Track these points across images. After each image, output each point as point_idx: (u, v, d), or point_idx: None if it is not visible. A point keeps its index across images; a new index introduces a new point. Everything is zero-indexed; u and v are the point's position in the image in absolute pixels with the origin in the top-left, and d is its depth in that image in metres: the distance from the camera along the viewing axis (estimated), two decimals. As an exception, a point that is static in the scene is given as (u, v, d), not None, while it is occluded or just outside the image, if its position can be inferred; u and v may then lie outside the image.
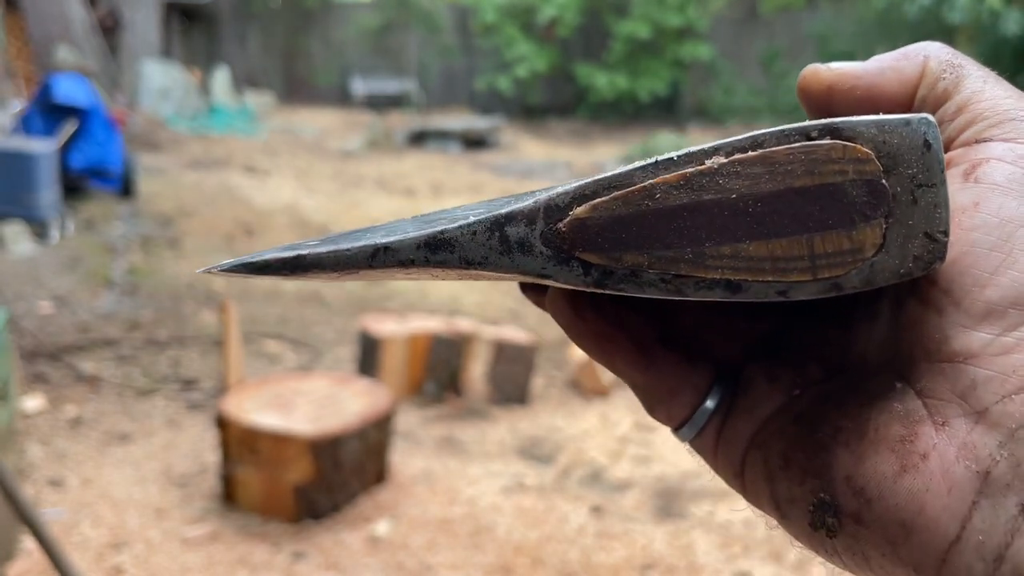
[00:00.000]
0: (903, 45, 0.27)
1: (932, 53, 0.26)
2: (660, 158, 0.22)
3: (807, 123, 0.22)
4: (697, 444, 0.29)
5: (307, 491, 2.26)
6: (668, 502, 2.49)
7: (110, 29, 9.70)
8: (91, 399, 3.01)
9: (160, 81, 10.63)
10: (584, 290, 0.23)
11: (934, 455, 0.22)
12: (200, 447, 2.67)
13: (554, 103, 13.73)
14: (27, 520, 1.54)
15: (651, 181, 0.22)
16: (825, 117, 0.22)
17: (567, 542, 2.26)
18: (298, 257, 0.23)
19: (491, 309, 4.32)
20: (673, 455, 2.79)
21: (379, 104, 13.41)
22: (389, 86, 14.13)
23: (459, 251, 0.23)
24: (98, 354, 3.40)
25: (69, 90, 5.74)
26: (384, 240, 0.23)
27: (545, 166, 9.30)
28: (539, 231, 0.22)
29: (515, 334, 3.27)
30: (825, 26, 12.29)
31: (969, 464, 0.21)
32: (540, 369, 3.39)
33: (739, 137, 0.22)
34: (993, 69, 0.26)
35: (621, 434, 2.94)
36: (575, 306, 0.27)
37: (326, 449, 2.26)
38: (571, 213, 0.22)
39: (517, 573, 2.11)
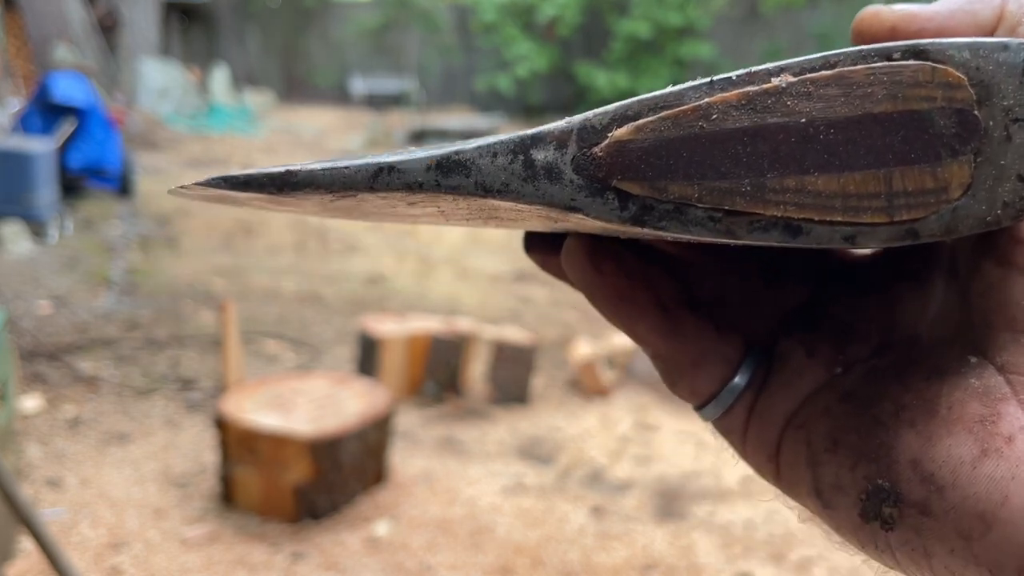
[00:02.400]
0: None
1: None
2: (716, 77, 0.19)
3: (887, 44, 0.19)
4: (723, 424, 0.26)
5: (306, 491, 2.25)
6: (669, 502, 2.49)
7: (109, 28, 9.69)
8: (90, 399, 3.00)
9: (159, 80, 10.62)
10: (617, 228, 0.20)
11: (1021, 438, 0.19)
12: (199, 447, 2.66)
13: (554, 102, 13.72)
14: (26, 520, 1.53)
15: (707, 100, 0.19)
16: None
17: (567, 542, 2.25)
18: (288, 173, 0.20)
19: (491, 309, 4.31)
20: (673, 455, 2.79)
21: (379, 103, 13.41)
22: (389, 85, 14.13)
23: (475, 175, 0.19)
24: (97, 354, 3.40)
25: (67, 89, 5.73)
26: (390, 159, 0.20)
27: (545, 165, 9.29)
28: (571, 155, 0.19)
29: (515, 334, 3.26)
30: (826, 25, 12.29)
31: None
32: (540, 369, 3.39)
33: (808, 56, 0.19)
34: None
35: (621, 434, 2.94)
36: (594, 259, 0.24)
37: (325, 449, 2.25)
38: (610, 135, 0.19)
39: (517, 573, 2.10)
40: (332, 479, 2.28)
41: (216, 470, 2.40)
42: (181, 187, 0.22)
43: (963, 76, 0.19)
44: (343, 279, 4.71)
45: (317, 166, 0.20)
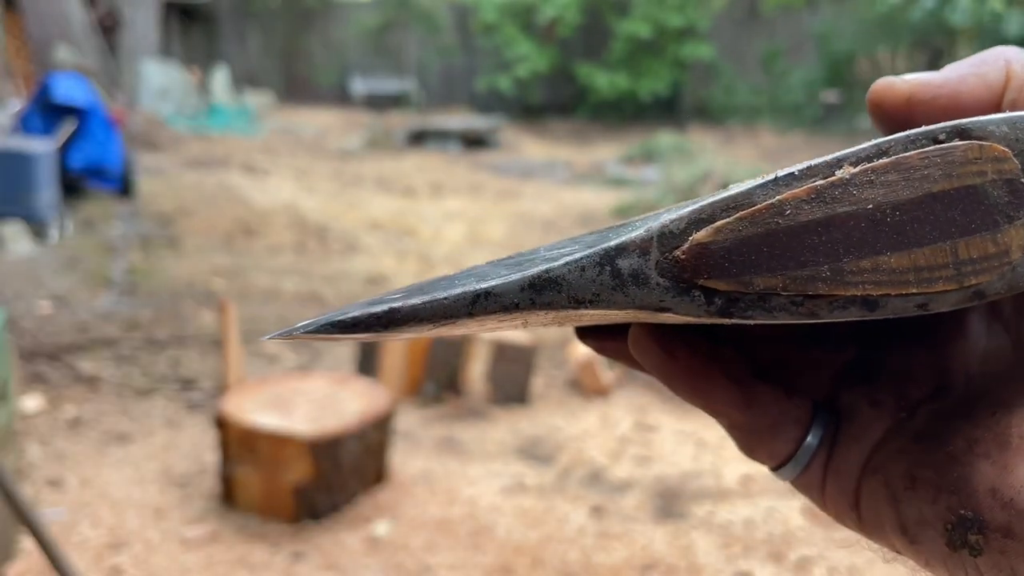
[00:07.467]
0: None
1: (1013, 56, 0.24)
2: (779, 174, 0.21)
3: (930, 127, 0.21)
4: (801, 482, 0.27)
5: (306, 491, 2.26)
6: (668, 502, 2.49)
7: (109, 28, 9.69)
8: (90, 399, 3.00)
9: (159, 80, 10.62)
10: (702, 322, 0.22)
11: None
12: (199, 447, 2.67)
13: (554, 103, 13.71)
14: (26, 520, 1.53)
15: (778, 198, 0.21)
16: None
17: (567, 542, 2.25)
18: (391, 311, 0.21)
19: (491, 309, 4.30)
20: (673, 455, 2.79)
21: (379, 104, 13.41)
22: (389, 86, 14.12)
23: (567, 290, 0.21)
24: (97, 354, 3.40)
25: (68, 90, 5.73)
26: (484, 285, 0.21)
27: (545, 166, 9.29)
28: (654, 260, 0.21)
29: (515, 334, 3.26)
30: (826, 25, 12.28)
31: None
32: (540, 369, 3.39)
33: (862, 146, 0.21)
34: None
35: (621, 434, 2.94)
36: (666, 346, 0.26)
37: (325, 449, 2.25)
38: (690, 238, 0.21)
39: (517, 573, 2.11)
40: (332, 479, 2.29)
41: (216, 470, 2.40)
42: (286, 332, 0.23)
43: (1007, 149, 0.20)
44: (343, 279, 4.71)
45: (416, 300, 0.21)
